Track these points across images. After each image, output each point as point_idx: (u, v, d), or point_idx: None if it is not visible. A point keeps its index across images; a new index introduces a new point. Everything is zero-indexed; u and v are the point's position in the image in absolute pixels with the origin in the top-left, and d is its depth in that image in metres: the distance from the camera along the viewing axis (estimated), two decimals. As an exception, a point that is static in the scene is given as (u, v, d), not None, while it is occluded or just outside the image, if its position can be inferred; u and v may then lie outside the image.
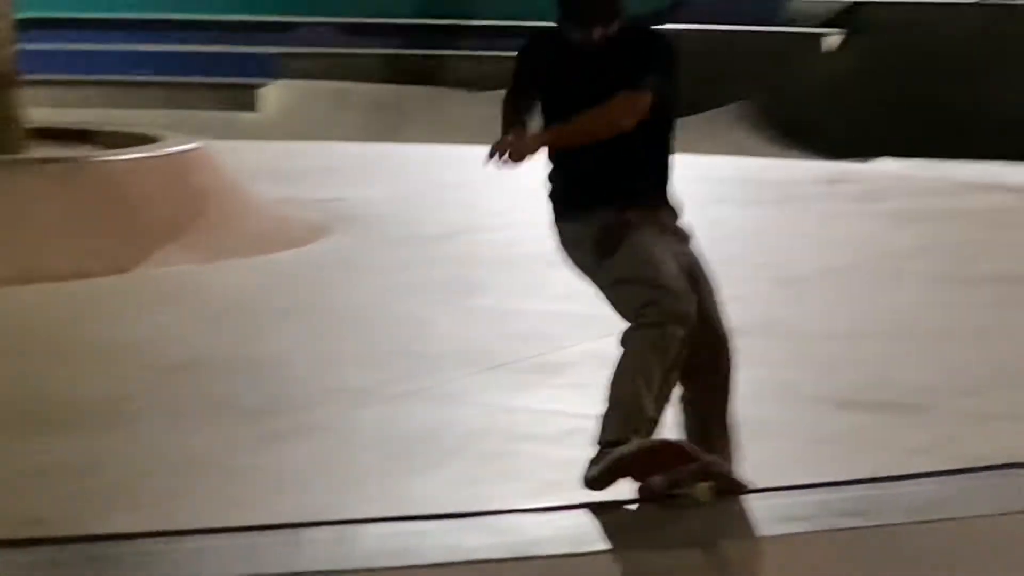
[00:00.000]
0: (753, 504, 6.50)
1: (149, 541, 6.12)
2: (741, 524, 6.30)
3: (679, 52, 6.66)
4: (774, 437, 7.61)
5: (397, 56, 22.78)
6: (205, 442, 7.65)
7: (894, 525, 6.11)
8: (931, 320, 10.34)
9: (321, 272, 11.99)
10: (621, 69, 6.30)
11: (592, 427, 7.17)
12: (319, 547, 6.13)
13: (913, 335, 9.89)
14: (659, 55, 6.52)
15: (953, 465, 6.94)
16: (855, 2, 20.98)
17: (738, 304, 10.70)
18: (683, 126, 20.00)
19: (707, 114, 19.92)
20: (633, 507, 6.46)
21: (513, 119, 6.55)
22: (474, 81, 21.85)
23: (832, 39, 20.56)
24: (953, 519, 6.26)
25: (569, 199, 6.67)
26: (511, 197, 15.60)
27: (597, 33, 6.39)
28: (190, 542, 6.12)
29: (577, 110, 6.28)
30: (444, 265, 12.20)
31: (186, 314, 10.72)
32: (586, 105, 6.25)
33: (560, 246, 6.88)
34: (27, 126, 13.52)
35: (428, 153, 19.09)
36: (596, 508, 6.50)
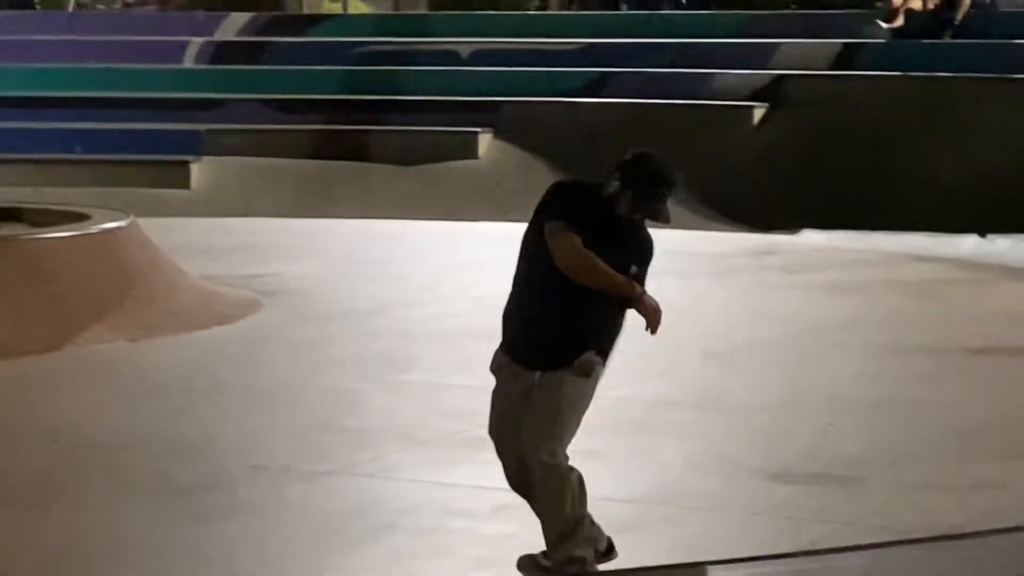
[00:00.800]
0: (687, 577, 6.51)
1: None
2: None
3: None
4: (710, 510, 7.62)
5: (324, 132, 22.75)
6: (132, 522, 7.58)
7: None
8: (863, 392, 10.37)
9: (249, 348, 11.95)
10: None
11: (525, 503, 7.14)
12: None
13: (846, 407, 9.92)
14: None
15: (886, 537, 6.96)
16: (779, 75, 21.13)
17: (671, 377, 10.78)
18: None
19: (634, 187, 20.02)
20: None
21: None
22: (403, 156, 21.88)
23: (756, 112, 20.69)
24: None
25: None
26: (439, 272, 15.65)
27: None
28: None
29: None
30: (373, 340, 12.17)
31: (114, 393, 10.63)
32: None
33: None
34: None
35: (357, 228, 19.07)
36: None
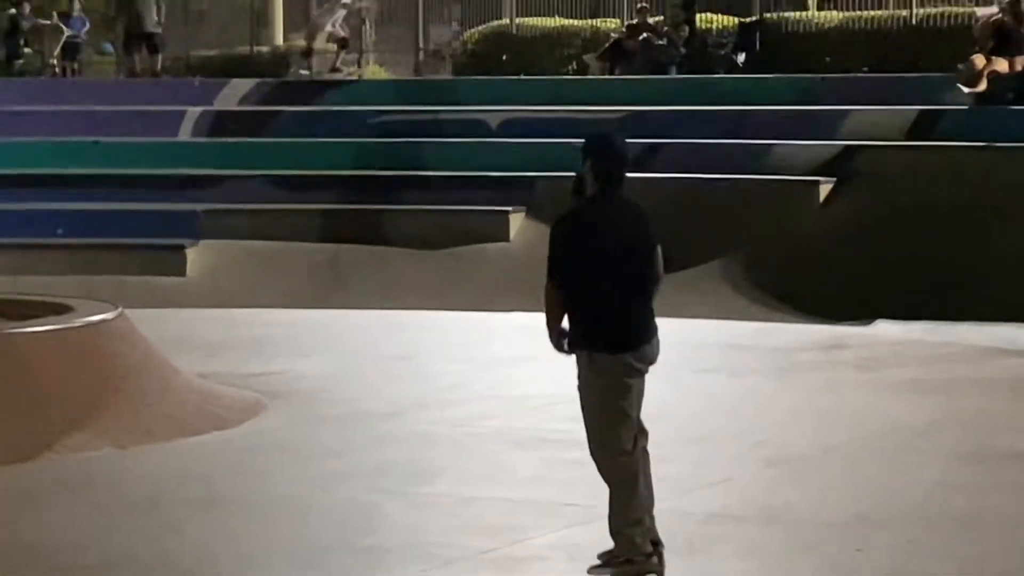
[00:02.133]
0: None
1: None
2: None
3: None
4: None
5: (337, 212, 22.81)
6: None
7: None
8: (948, 505, 10.27)
9: (251, 457, 11.89)
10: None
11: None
12: None
13: (926, 522, 9.83)
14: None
15: None
16: (847, 147, 21.13)
17: (729, 487, 10.71)
18: (664, 288, 20.23)
19: (687, 273, 20.00)
20: None
21: None
22: (424, 239, 21.90)
23: (823, 188, 20.69)
24: None
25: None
26: (467, 369, 15.61)
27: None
28: None
29: None
30: (392, 447, 12.12)
31: (97, 507, 10.57)
32: None
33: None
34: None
35: (372, 319, 19.09)
36: None
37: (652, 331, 8.82)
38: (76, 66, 33.78)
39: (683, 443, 12.11)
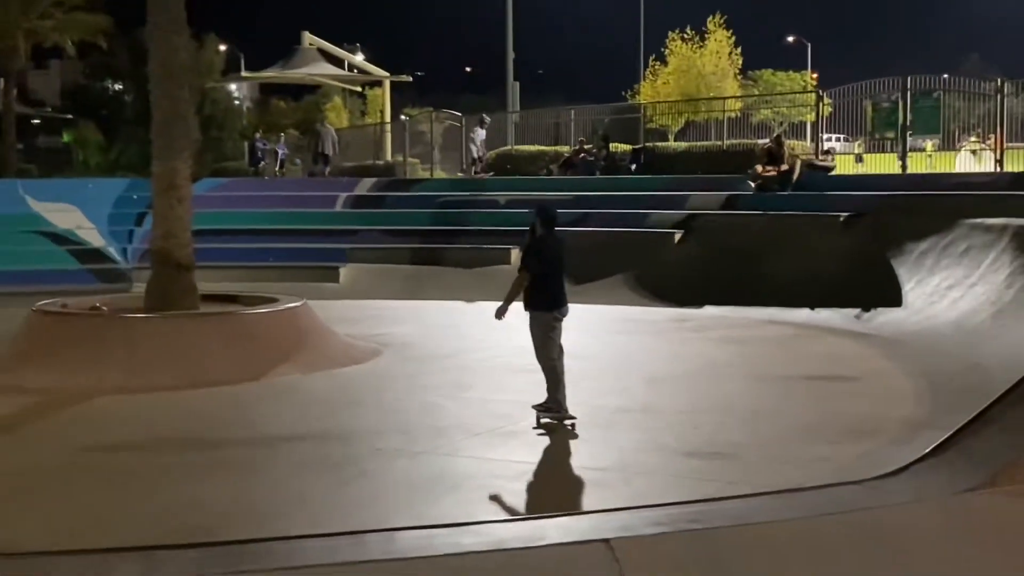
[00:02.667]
0: (636, 515, 6.46)
1: (278, 543, 6.02)
2: (629, 526, 6.22)
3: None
4: (649, 474, 7.59)
5: (418, 248, 22.87)
6: (305, 483, 7.58)
7: (720, 527, 6.05)
8: (741, 402, 10.34)
9: (373, 379, 11.95)
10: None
11: (537, 470, 7.10)
12: (373, 546, 6.02)
13: (731, 411, 9.89)
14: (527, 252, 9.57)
15: (754, 491, 6.92)
16: (690, 214, 21.19)
17: (624, 394, 10.79)
18: (588, 289, 19.98)
19: (603, 281, 20.08)
20: (557, 520, 6.40)
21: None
22: (466, 262, 21.98)
23: (676, 235, 20.73)
24: (755, 523, 6.19)
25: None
26: (487, 331, 15.65)
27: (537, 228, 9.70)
28: (299, 543, 6.02)
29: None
30: (447, 372, 12.19)
31: (292, 405, 10.65)
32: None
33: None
34: (200, 294, 13.56)
35: (437, 306, 19.13)
36: (541, 519, 6.46)
37: (566, 299, 9.51)
38: (283, 171, 33.43)
39: (599, 371, 12.18)
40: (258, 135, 37.66)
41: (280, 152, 33.54)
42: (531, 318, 9.45)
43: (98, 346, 11.90)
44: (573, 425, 9.04)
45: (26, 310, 13.14)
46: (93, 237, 23.23)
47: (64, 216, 23.31)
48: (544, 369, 9.36)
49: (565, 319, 9.48)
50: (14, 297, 17.85)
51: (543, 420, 9.20)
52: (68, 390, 11.05)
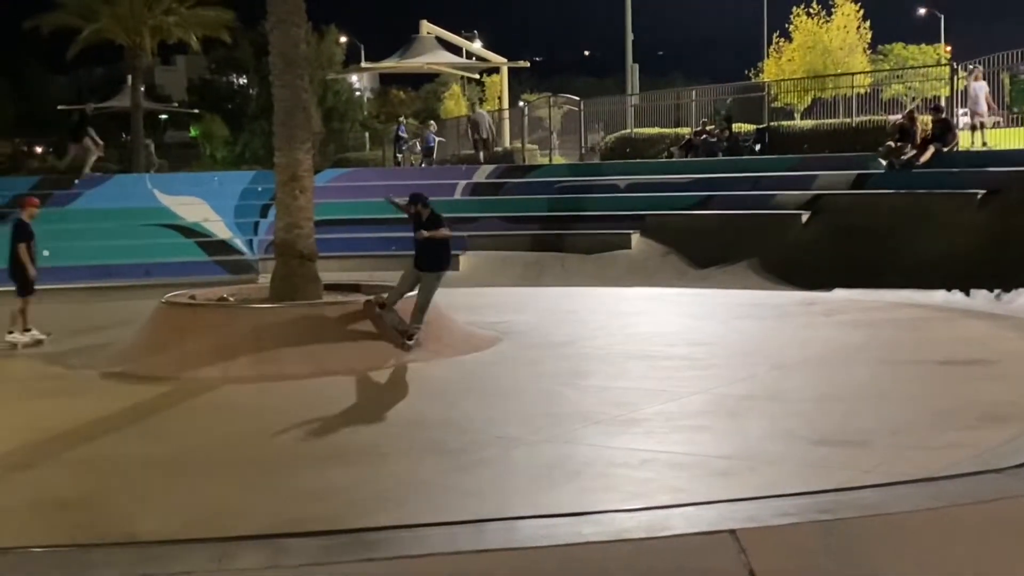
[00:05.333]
0: (763, 505, 6.36)
1: (400, 531, 6.11)
2: (756, 517, 6.12)
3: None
4: (777, 463, 7.46)
5: (538, 235, 22.92)
6: (426, 470, 7.65)
7: (851, 518, 5.91)
8: (873, 388, 10.08)
9: (492, 366, 11.98)
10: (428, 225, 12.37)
11: (661, 459, 7.02)
12: (494, 535, 6.06)
13: (861, 397, 9.65)
14: (434, 221, 12.44)
15: (887, 480, 6.75)
16: (816, 194, 20.78)
17: (751, 381, 10.62)
18: (712, 274, 19.64)
19: (727, 265, 19.84)
20: (681, 509, 6.35)
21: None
22: (585, 248, 21.94)
23: (804, 216, 20.36)
24: (889, 513, 6.04)
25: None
26: (607, 318, 15.62)
27: (412, 209, 12.63)
28: (421, 531, 6.10)
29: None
30: (566, 360, 12.16)
31: (414, 392, 10.78)
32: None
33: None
34: (323, 283, 13.79)
35: (557, 292, 19.13)
36: (664, 509, 6.42)
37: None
38: (431, 162, 32.28)
39: (726, 356, 12.03)
40: (401, 121, 37.28)
41: (430, 141, 33.24)
42: (432, 274, 12.29)
43: (225, 336, 12.20)
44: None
45: (156, 302, 13.57)
46: (220, 229, 23.89)
47: (191, 209, 24.02)
48: (424, 308, 12.28)
49: None
50: (144, 290, 18.52)
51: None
52: (197, 379, 11.36)
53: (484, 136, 29.81)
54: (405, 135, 34.41)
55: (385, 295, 12.61)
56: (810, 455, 7.68)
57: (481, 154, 29.57)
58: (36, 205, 15.08)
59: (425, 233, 12.29)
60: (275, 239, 14.00)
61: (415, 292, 12.54)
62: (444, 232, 12.44)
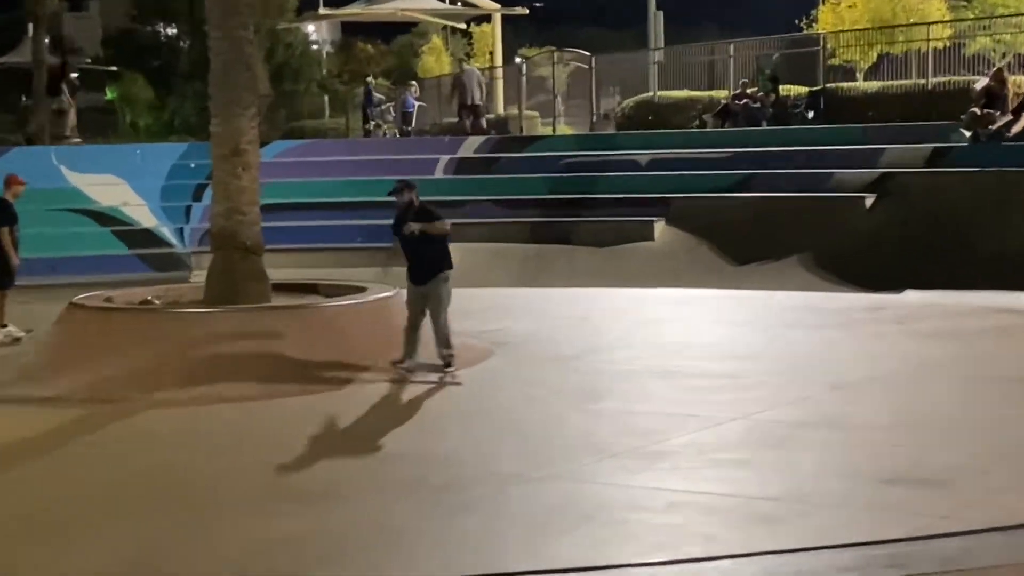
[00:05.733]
0: (816, 558, 6.34)
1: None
2: (808, 572, 6.09)
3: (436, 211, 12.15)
4: (835, 506, 7.44)
5: (539, 223, 22.91)
6: (402, 512, 7.62)
7: (928, 574, 5.88)
8: (954, 414, 10.07)
9: (484, 386, 11.96)
10: (416, 219, 12.01)
11: (691, 501, 6.99)
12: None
13: (940, 426, 9.64)
14: (431, 215, 12.12)
15: (972, 527, 6.72)
16: (884, 173, 20.81)
17: (804, 404, 10.60)
18: (755, 272, 19.74)
19: (774, 261, 19.86)
20: (715, 563, 6.34)
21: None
22: (597, 240, 21.93)
23: (867, 200, 20.40)
24: (974, 569, 6.01)
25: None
26: (626, 326, 15.59)
27: (403, 199, 12.34)
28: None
29: (407, 240, 12.13)
30: (575, 377, 12.14)
31: (385, 418, 10.73)
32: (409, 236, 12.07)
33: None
34: (272, 282, 13.76)
35: (562, 294, 19.12)
36: (695, 563, 6.39)
37: None
38: (408, 132, 32.33)
39: (775, 374, 12.03)
40: (370, 81, 37.00)
41: (408, 105, 33.15)
42: (444, 280, 12.04)
43: (149, 349, 12.15)
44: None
45: (63, 306, 13.50)
46: (143, 216, 23.88)
47: (108, 191, 23.98)
48: (446, 327, 11.99)
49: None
50: (50, 290, 18.38)
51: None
52: (114, 403, 11.31)
53: (473, 101, 29.64)
54: (377, 100, 34.32)
55: (399, 356, 12.16)
56: (877, 496, 7.66)
57: (468, 123, 29.49)
58: (22, 183, 15.34)
59: (415, 226, 11.93)
60: (212, 228, 13.97)
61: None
62: (443, 226, 12.14)
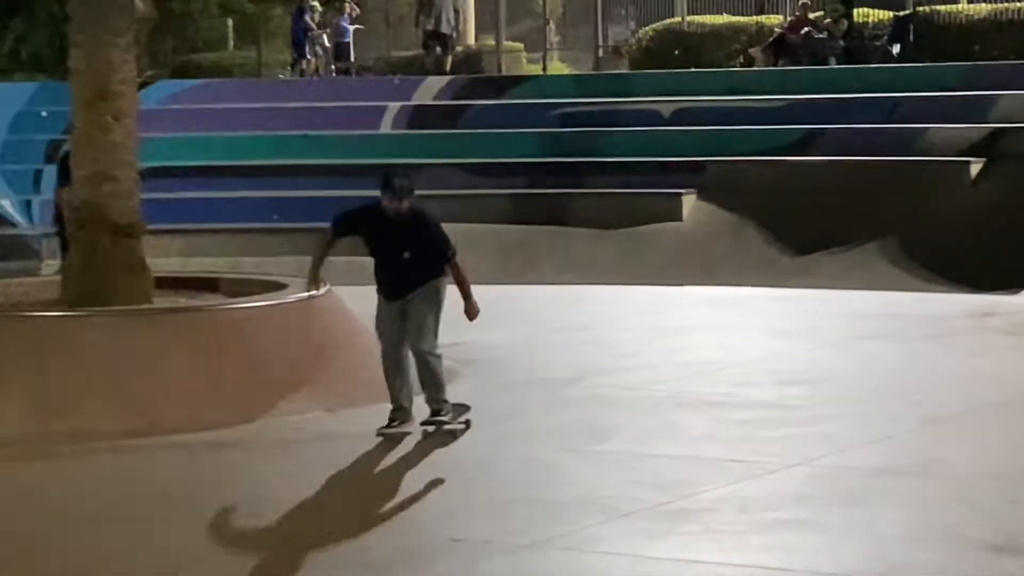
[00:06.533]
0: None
1: None
2: None
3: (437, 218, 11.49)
4: (930, 583, 7.46)
5: (524, 196, 22.89)
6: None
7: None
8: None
9: (446, 420, 11.91)
10: (413, 233, 11.18)
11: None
12: None
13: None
14: (435, 231, 11.39)
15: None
16: (996, 129, 20.82)
17: (892, 443, 10.61)
18: (819, 263, 19.89)
19: (846, 250, 19.86)
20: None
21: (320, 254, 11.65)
22: (604, 220, 21.90)
23: (973, 168, 20.42)
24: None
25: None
26: (642, 338, 15.57)
27: (404, 206, 11.11)
28: None
29: (393, 251, 11.20)
30: (570, 409, 12.12)
31: (309, 467, 10.66)
32: (397, 248, 11.17)
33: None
34: (155, 275, 13.70)
35: (555, 294, 19.09)
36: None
37: None
38: (346, 69, 32.61)
39: (848, 403, 12.05)
40: (310, 4, 36.58)
41: (344, 33, 32.62)
42: (440, 290, 11.39)
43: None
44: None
45: None
46: (-25, 185, 23.80)
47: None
48: (437, 359, 11.33)
49: None
50: None
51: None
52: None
53: (443, 29, 29.29)
54: (313, 25, 34.11)
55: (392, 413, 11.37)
56: (989, 569, 7.68)
57: (433, 57, 29.19)
58: None
59: (407, 255, 11.22)
60: (71, 200, 13.91)
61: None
62: (462, 274, 11.39)
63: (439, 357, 11.26)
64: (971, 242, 19.19)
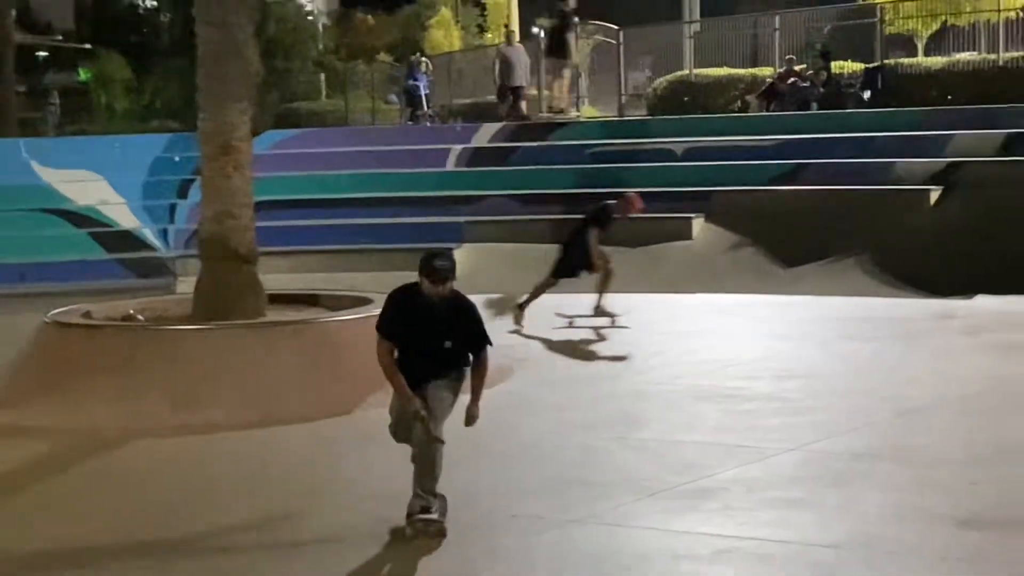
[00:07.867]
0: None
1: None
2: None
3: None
4: (905, 555, 7.39)
5: (563, 221, 22.82)
6: (407, 563, 7.59)
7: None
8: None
9: (503, 411, 11.75)
10: (454, 319, 8.44)
11: (742, 548, 6.98)
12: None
13: (1024, 458, 9.58)
14: (476, 318, 8.57)
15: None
16: (951, 162, 20.74)
17: (868, 432, 10.55)
18: (805, 274, 19.65)
19: (826, 263, 19.80)
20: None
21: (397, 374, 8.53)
22: (628, 239, 21.84)
23: (933, 194, 20.34)
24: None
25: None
26: (663, 340, 15.53)
27: (447, 289, 8.30)
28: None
29: (432, 339, 8.42)
30: (610, 402, 12.10)
31: (393, 451, 10.62)
32: (439, 337, 8.41)
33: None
34: (266, 292, 13.77)
35: (588, 301, 19.01)
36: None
37: None
38: (423, 117, 32.29)
39: (830, 395, 11.99)
40: (419, 59, 35.71)
41: (422, 86, 32.87)
42: (462, 379, 8.72)
43: (131, 371, 12.17)
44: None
45: (35, 321, 13.51)
46: (123, 215, 23.92)
47: (84, 188, 24.00)
48: (439, 450, 8.43)
49: None
50: (19, 301, 18.43)
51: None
52: (92, 433, 11.35)
53: (518, 83, 28.76)
54: (423, 81, 33.49)
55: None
56: (955, 542, 7.61)
57: (506, 106, 28.67)
58: None
59: (449, 344, 8.53)
60: (200, 233, 13.98)
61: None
62: (486, 369, 8.77)
63: (443, 444, 8.40)
64: (933, 255, 19.07)
